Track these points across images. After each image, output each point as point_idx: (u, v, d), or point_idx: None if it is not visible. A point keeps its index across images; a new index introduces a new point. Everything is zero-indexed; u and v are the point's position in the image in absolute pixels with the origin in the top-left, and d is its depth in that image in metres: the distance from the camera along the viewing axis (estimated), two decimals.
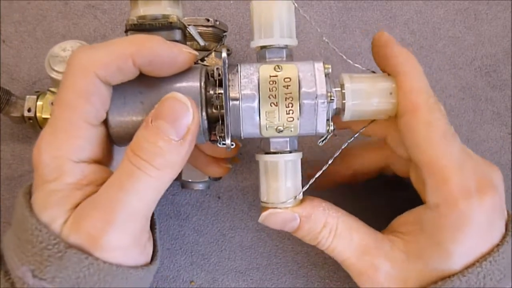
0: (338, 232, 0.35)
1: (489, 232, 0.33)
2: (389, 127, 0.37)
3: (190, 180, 0.43)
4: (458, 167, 0.32)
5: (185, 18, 0.43)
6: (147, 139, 0.30)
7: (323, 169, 0.35)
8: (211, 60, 0.42)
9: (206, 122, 0.33)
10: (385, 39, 0.36)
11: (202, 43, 0.36)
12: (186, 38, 0.36)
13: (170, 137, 0.30)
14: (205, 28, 0.43)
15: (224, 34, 0.45)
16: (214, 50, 0.42)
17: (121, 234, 0.31)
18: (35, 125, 0.45)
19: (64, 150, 0.31)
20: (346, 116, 0.34)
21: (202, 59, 0.35)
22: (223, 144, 0.33)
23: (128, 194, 0.30)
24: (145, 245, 0.34)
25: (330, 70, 0.33)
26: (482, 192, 0.32)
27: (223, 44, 0.45)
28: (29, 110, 0.44)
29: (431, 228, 0.33)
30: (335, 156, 0.36)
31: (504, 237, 0.33)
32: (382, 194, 0.46)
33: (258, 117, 0.33)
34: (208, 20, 0.43)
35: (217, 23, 0.44)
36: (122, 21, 0.51)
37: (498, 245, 0.33)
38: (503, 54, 0.50)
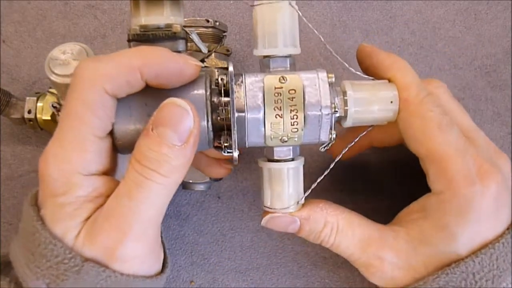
0: (339, 229, 0.36)
1: (495, 218, 0.33)
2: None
3: (191, 181, 0.43)
4: (457, 154, 0.33)
5: (185, 19, 0.43)
6: (150, 147, 0.30)
7: (324, 174, 0.35)
8: (211, 61, 0.42)
9: (212, 132, 0.33)
10: (368, 50, 0.37)
11: (204, 50, 0.36)
12: (187, 40, 0.35)
13: (173, 143, 0.30)
14: (205, 29, 0.43)
15: (224, 34, 0.45)
16: (214, 51, 0.42)
17: (137, 243, 0.31)
18: (36, 127, 0.45)
19: (73, 164, 0.31)
20: (348, 123, 0.34)
21: (202, 60, 0.35)
22: (229, 152, 0.33)
23: (140, 204, 0.30)
24: (159, 253, 0.34)
25: (333, 80, 0.33)
26: (485, 178, 0.33)
27: (223, 44, 0.45)
28: (29, 112, 0.44)
29: (435, 213, 0.34)
30: (335, 160, 0.36)
31: None
32: (385, 191, 0.46)
33: (263, 128, 0.33)
34: (208, 21, 0.43)
35: (217, 23, 0.44)
36: (122, 21, 0.51)
37: (508, 228, 0.34)
38: (503, 54, 0.50)
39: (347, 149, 0.36)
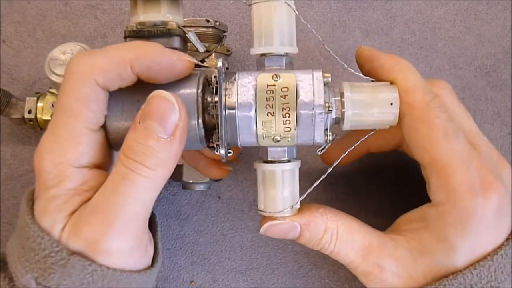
0: (339, 235, 0.35)
1: (495, 230, 0.33)
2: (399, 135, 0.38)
3: (191, 181, 0.43)
4: (462, 165, 0.32)
5: (185, 19, 0.43)
6: (137, 141, 0.30)
7: (321, 178, 0.34)
8: (211, 61, 0.42)
9: (202, 130, 0.33)
10: (367, 54, 0.36)
11: (201, 49, 0.36)
12: (187, 41, 0.35)
13: (159, 136, 0.30)
14: (205, 29, 0.43)
15: (224, 34, 0.45)
16: (214, 51, 0.42)
17: (120, 237, 0.31)
18: (36, 127, 0.45)
19: (66, 156, 0.31)
20: (346, 126, 0.34)
21: (202, 60, 0.35)
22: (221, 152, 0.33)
23: (125, 197, 0.30)
24: (146, 247, 0.34)
25: (329, 79, 0.33)
26: (488, 190, 0.32)
27: (223, 44, 0.45)
28: (29, 112, 0.44)
29: (435, 224, 0.34)
30: (333, 165, 0.35)
31: None
32: (384, 194, 0.46)
33: (254, 127, 0.32)
34: (208, 21, 0.43)
35: (217, 23, 0.44)
36: (122, 21, 0.51)
37: (508, 238, 0.33)
38: (503, 54, 0.50)
39: (346, 153, 0.35)
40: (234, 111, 0.32)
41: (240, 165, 0.48)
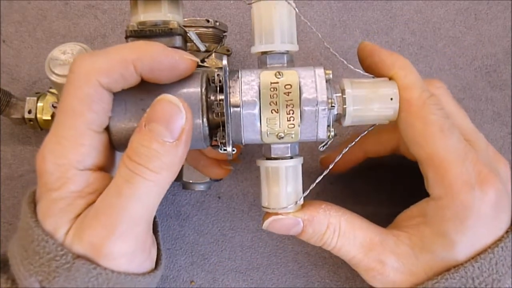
0: (342, 231, 0.35)
1: (494, 223, 0.33)
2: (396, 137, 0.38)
3: (191, 181, 0.43)
4: (458, 160, 0.33)
5: (185, 19, 0.43)
6: (141, 143, 0.30)
7: (323, 174, 0.35)
8: (211, 61, 0.42)
9: (207, 128, 0.33)
10: (369, 49, 0.36)
11: (202, 48, 0.36)
12: (187, 40, 0.36)
13: (165, 139, 0.30)
14: (205, 29, 0.43)
15: (224, 34, 0.45)
16: (214, 51, 0.42)
17: (124, 241, 0.31)
18: (36, 127, 0.45)
19: (69, 158, 0.31)
20: (347, 121, 0.34)
21: (202, 61, 0.35)
22: (224, 150, 0.33)
23: (128, 200, 0.30)
24: (150, 250, 0.34)
25: (331, 76, 0.33)
26: (484, 184, 0.33)
27: (223, 44, 0.45)
28: (29, 112, 0.44)
29: (434, 219, 0.34)
30: (335, 161, 0.35)
31: None
32: (384, 193, 0.46)
33: (259, 124, 0.33)
34: (208, 21, 0.43)
35: (217, 23, 0.44)
36: (122, 21, 0.51)
37: (507, 231, 0.34)
38: (503, 54, 0.50)
39: (347, 148, 0.36)
40: (238, 109, 0.32)
41: (240, 165, 0.48)
